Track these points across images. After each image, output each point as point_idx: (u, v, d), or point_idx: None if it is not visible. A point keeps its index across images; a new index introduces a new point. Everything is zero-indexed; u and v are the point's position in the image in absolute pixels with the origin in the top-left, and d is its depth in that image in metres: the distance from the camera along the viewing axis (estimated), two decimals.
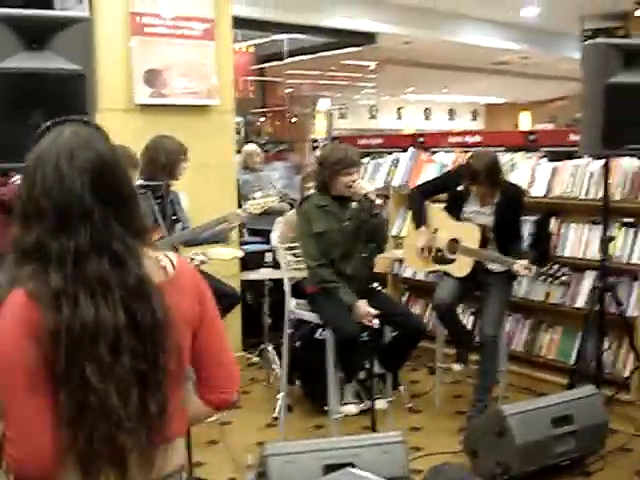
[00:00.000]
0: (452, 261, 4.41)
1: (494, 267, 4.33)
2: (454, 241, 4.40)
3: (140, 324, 1.45)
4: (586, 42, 4.02)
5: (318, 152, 12.62)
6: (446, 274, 4.44)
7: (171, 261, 1.58)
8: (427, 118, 21.54)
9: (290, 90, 13.50)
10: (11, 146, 2.70)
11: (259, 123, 13.28)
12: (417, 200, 4.61)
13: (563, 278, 3.96)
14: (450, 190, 4.51)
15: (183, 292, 1.57)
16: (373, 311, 3.80)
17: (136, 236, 1.52)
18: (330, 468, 2.89)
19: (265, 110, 13.46)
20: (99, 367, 1.40)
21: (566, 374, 4.58)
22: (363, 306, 3.84)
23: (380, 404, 3.94)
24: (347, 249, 4.05)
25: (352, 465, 2.90)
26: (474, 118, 22.82)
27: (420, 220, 4.53)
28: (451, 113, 22.27)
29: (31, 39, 2.71)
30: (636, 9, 10.13)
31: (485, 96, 20.48)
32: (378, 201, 3.76)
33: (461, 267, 4.36)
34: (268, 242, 5.88)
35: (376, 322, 3.78)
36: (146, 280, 1.49)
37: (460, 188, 4.39)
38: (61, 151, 1.46)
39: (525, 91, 18.24)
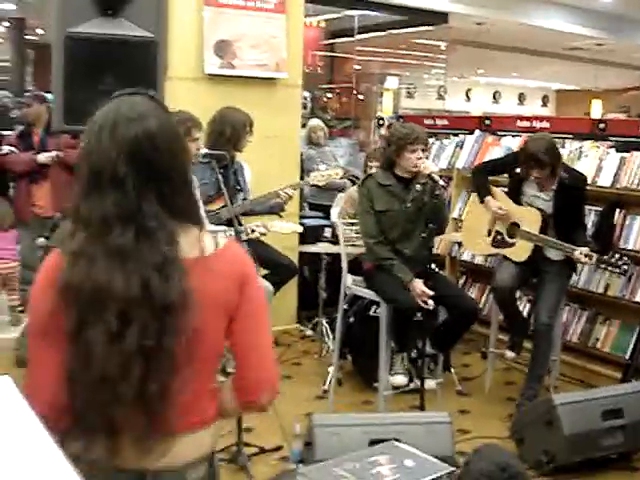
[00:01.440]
0: (511, 245, 4.38)
1: (553, 255, 4.28)
2: (514, 225, 4.37)
3: (153, 302, 1.44)
4: None
5: (383, 130, 12.62)
6: (506, 258, 4.42)
7: (217, 242, 1.56)
8: (496, 101, 21.19)
9: (358, 67, 13.43)
10: (82, 110, 2.75)
11: (325, 99, 13.27)
12: (480, 175, 4.59)
13: (624, 267, 3.88)
14: (510, 172, 4.47)
15: (219, 274, 1.53)
16: (429, 291, 3.80)
17: (176, 214, 1.51)
18: (375, 442, 2.92)
19: (332, 86, 13.42)
20: (105, 333, 1.42)
21: (620, 368, 4.54)
22: (419, 285, 3.84)
23: (429, 384, 3.96)
24: (407, 230, 4.05)
25: (397, 441, 2.94)
26: (544, 104, 22.35)
27: (485, 193, 4.48)
28: (521, 97, 21.85)
29: (106, 5, 2.76)
30: None
31: (556, 82, 20.04)
32: (441, 182, 3.75)
33: (520, 252, 4.33)
34: (327, 217, 5.93)
35: (431, 303, 3.80)
36: (171, 258, 1.47)
37: (518, 171, 4.34)
38: (108, 120, 1.49)
39: (597, 78, 17.77)
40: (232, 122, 4.29)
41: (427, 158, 4.01)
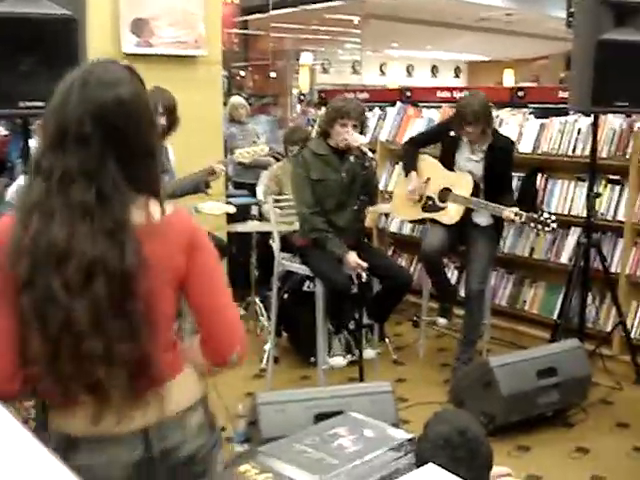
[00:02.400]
0: (442, 209, 4.46)
1: (481, 220, 4.38)
2: (446, 190, 4.45)
3: (110, 266, 1.44)
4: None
5: (301, 106, 12.56)
6: (434, 224, 4.49)
7: (164, 209, 1.56)
8: (410, 74, 21.40)
9: (273, 44, 13.34)
10: (3, 92, 2.67)
11: (239, 77, 13.15)
12: (409, 149, 4.67)
13: (553, 225, 3.99)
14: (442, 139, 4.55)
15: (166, 240, 1.54)
16: (363, 263, 3.82)
17: (133, 182, 1.50)
18: (320, 417, 2.93)
19: (248, 64, 13.30)
20: (66, 284, 1.41)
21: (549, 329, 4.66)
22: (353, 258, 3.86)
23: (368, 354, 3.99)
24: (341, 201, 4.06)
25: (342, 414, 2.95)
26: (456, 75, 22.69)
27: (410, 166, 4.58)
28: (434, 70, 22.12)
29: None
30: None
31: (468, 53, 20.35)
32: (370, 154, 3.76)
33: (451, 215, 4.41)
34: (252, 195, 5.89)
35: (365, 274, 3.82)
36: (124, 225, 1.47)
37: (452, 134, 4.42)
38: (78, 78, 1.49)
39: (508, 49, 18.15)
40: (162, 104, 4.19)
41: (362, 132, 4.01)
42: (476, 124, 4.24)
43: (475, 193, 4.36)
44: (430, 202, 4.53)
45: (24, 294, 1.42)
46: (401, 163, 4.86)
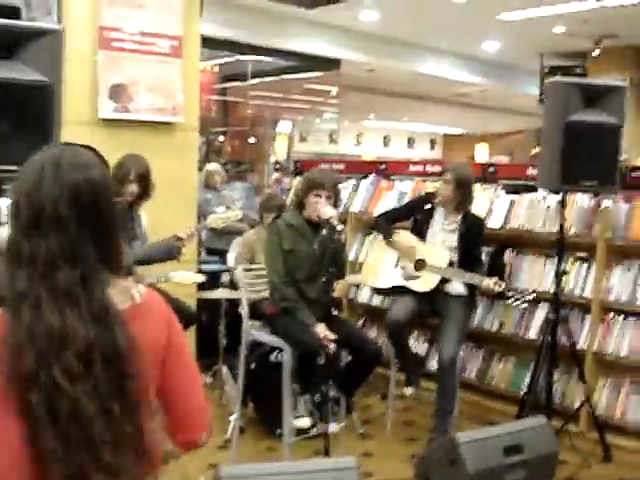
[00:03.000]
0: (416, 278, 4.49)
1: (456, 290, 4.43)
2: (421, 260, 4.50)
3: (104, 351, 1.42)
4: (548, 80, 4.13)
5: (277, 174, 12.66)
6: (403, 294, 4.51)
7: (139, 290, 1.56)
8: (386, 145, 21.75)
9: (252, 111, 13.53)
10: None
11: (218, 143, 13.27)
12: (382, 221, 4.78)
13: (529, 297, 4.08)
14: (416, 213, 4.63)
15: (149, 320, 1.55)
16: (331, 335, 3.81)
17: (107, 264, 1.51)
18: None
19: (226, 130, 13.44)
20: (68, 371, 1.38)
21: (517, 404, 4.64)
22: (322, 329, 3.85)
23: (333, 428, 3.94)
24: (312, 272, 4.07)
25: None
26: (432, 147, 23.10)
27: (390, 233, 4.67)
28: (410, 141, 22.52)
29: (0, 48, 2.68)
30: (595, 49, 10.40)
31: (444, 126, 20.76)
32: (339, 227, 3.80)
33: (425, 282, 4.45)
34: (224, 262, 5.87)
35: (333, 346, 3.80)
36: (108, 308, 1.46)
37: (428, 207, 4.52)
38: (49, 160, 1.49)
39: (483, 123, 18.55)
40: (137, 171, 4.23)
41: (335, 205, 4.07)
42: (460, 192, 4.43)
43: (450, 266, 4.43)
44: (405, 271, 4.58)
45: (31, 390, 1.36)
46: (377, 235, 4.95)
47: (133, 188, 4.24)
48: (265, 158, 14.33)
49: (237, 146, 14.09)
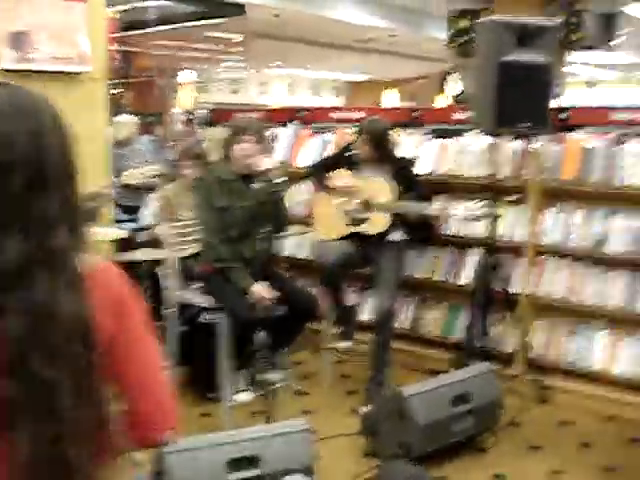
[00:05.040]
0: (366, 220, 4.36)
1: (392, 236, 4.33)
2: (367, 201, 4.38)
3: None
4: (479, 20, 4.00)
5: (182, 126, 12.24)
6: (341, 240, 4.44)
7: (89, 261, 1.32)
8: (291, 93, 21.46)
9: (153, 61, 13.01)
10: None
11: (115, 94, 12.69)
12: (316, 171, 4.63)
13: (481, 211, 4.04)
14: (345, 162, 4.49)
15: (99, 295, 1.30)
16: (270, 293, 3.65)
17: (69, 224, 1.27)
18: (235, 462, 2.73)
19: (127, 81, 12.87)
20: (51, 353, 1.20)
21: (451, 350, 4.63)
22: (259, 289, 3.68)
23: (275, 377, 3.78)
24: (248, 230, 3.87)
25: (257, 459, 2.76)
26: (337, 95, 22.94)
27: (324, 185, 4.52)
28: (314, 89, 22.29)
29: None
30: None
31: (349, 73, 20.60)
32: (279, 179, 3.61)
33: (377, 223, 4.34)
34: (135, 220, 5.55)
35: (271, 305, 3.67)
36: (82, 276, 1.26)
37: (353, 155, 4.40)
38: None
39: (389, 69, 18.48)
40: None
41: (269, 154, 3.87)
42: (380, 147, 4.25)
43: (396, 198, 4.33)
44: (353, 215, 4.43)
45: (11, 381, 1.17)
46: (310, 184, 4.79)
47: None
48: (168, 109, 13.86)
49: (139, 97, 13.55)
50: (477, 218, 4.11)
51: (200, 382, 4.33)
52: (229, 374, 3.88)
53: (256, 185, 3.79)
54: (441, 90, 17.81)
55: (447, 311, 4.94)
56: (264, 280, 3.72)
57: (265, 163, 3.63)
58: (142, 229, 5.26)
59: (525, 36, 3.81)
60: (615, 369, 4.26)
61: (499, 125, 3.87)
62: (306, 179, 4.87)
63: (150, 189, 5.61)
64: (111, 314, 1.31)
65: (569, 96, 9.15)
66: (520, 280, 4.54)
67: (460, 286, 4.78)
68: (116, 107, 11.17)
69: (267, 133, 5.79)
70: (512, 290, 4.48)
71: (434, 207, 4.13)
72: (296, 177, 5.15)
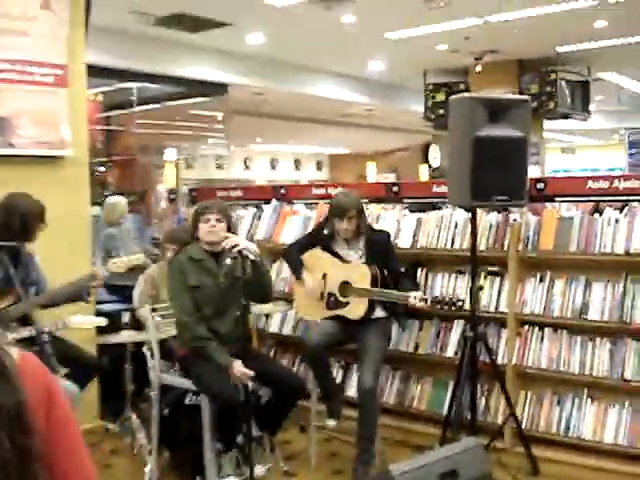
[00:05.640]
0: (346, 304, 4.35)
1: (374, 314, 4.31)
2: (345, 283, 4.37)
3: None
4: (452, 97, 4.09)
5: (165, 204, 12.29)
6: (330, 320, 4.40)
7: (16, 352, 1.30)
8: (274, 168, 21.70)
9: (136, 140, 13.13)
10: None
11: (99, 173, 12.78)
12: (292, 255, 4.64)
13: (459, 303, 4.01)
14: (318, 242, 4.52)
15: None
16: (249, 372, 3.62)
17: None
18: None
19: (111, 160, 12.97)
20: None
21: (439, 424, 4.56)
22: (238, 367, 3.65)
23: (260, 470, 3.73)
24: (221, 306, 3.86)
25: None
26: (319, 168, 23.23)
27: (299, 270, 4.54)
28: (296, 163, 22.56)
29: None
30: (476, 65, 10.65)
31: (329, 147, 20.91)
32: (252, 257, 3.62)
33: (356, 309, 4.32)
34: (126, 300, 5.52)
35: (251, 384, 3.62)
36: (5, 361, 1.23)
37: (326, 232, 4.42)
38: None
39: (369, 142, 18.77)
40: (20, 212, 3.90)
41: (235, 233, 3.89)
42: (351, 221, 4.28)
43: (375, 283, 4.31)
44: (332, 298, 4.44)
45: None
46: (287, 268, 4.81)
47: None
48: (152, 187, 13.94)
49: (123, 176, 13.63)
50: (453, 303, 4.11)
51: (187, 466, 4.23)
52: (213, 458, 3.80)
53: (228, 262, 3.81)
54: (425, 160, 18.10)
55: (433, 384, 4.90)
56: (239, 359, 3.68)
57: (237, 241, 3.66)
58: (127, 310, 5.23)
59: (498, 111, 3.90)
60: (605, 438, 4.22)
61: (475, 199, 3.91)
62: (287, 261, 4.88)
63: (142, 269, 5.60)
64: (40, 404, 1.30)
65: (549, 163, 9.31)
66: (505, 351, 4.53)
67: (446, 358, 4.75)
68: (102, 187, 11.29)
69: (249, 211, 5.88)
70: (498, 361, 4.46)
71: (411, 298, 4.09)
72: (279, 254, 5.17)
